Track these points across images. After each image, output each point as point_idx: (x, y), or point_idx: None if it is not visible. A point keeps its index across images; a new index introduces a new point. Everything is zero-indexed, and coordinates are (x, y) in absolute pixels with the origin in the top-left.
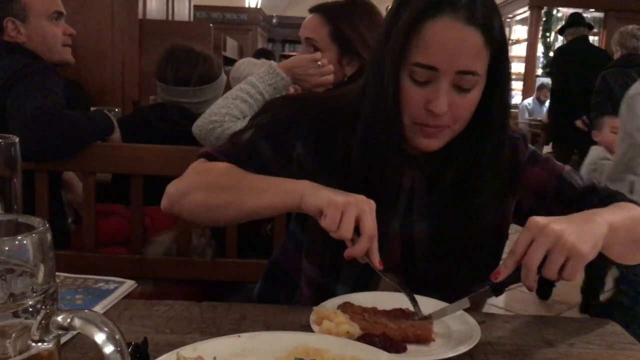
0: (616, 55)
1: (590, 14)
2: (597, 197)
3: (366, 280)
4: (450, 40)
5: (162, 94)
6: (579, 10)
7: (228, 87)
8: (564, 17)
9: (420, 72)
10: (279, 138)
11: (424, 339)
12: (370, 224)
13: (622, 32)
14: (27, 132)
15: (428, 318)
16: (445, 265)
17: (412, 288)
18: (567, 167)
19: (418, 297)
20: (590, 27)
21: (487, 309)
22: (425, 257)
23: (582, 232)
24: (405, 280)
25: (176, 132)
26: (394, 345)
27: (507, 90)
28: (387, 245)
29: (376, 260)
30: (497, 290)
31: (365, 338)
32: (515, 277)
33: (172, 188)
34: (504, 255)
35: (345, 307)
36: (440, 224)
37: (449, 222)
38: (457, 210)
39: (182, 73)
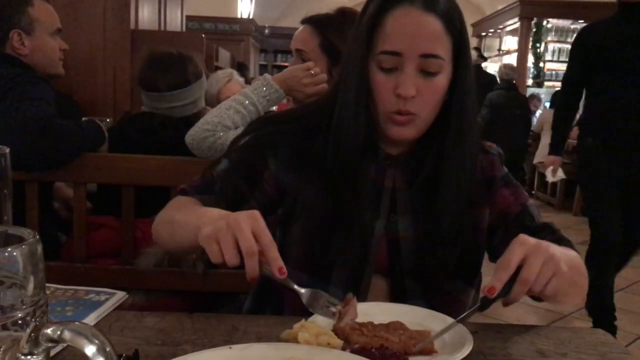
0: (500, 81)
1: (579, 25)
2: (550, 235)
3: (357, 280)
4: (409, 25)
5: (153, 102)
6: (568, 22)
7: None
8: (554, 28)
9: (386, 59)
10: (248, 164)
11: (426, 351)
12: (245, 242)
13: (501, 67)
14: (19, 141)
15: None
16: (430, 264)
17: (399, 287)
18: (531, 200)
19: (409, 307)
20: (484, 58)
21: (479, 319)
22: (410, 256)
23: (562, 254)
24: (393, 279)
25: (150, 141)
26: (393, 356)
27: (468, 77)
28: (374, 246)
29: (275, 269)
30: (486, 306)
31: (363, 351)
32: (505, 291)
33: (154, 222)
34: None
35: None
36: (422, 222)
37: (427, 222)
38: (430, 209)
39: (172, 76)
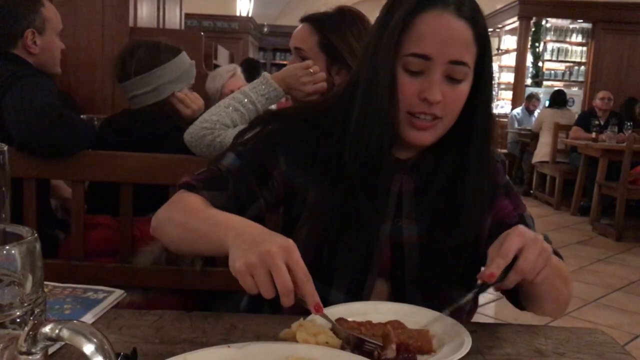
0: None
1: (578, 25)
2: None
3: (360, 284)
4: (442, 30)
5: (122, 94)
6: (567, 21)
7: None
8: (553, 28)
9: (415, 62)
10: (258, 160)
11: (425, 350)
12: (280, 280)
13: None
14: (34, 126)
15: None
16: (433, 271)
17: (400, 292)
18: (527, 211)
19: (407, 306)
20: None
21: (477, 318)
22: (413, 262)
23: (548, 247)
24: (394, 283)
25: (126, 143)
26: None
27: (490, 87)
28: (378, 249)
29: (311, 306)
30: (483, 290)
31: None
32: (501, 277)
33: (154, 217)
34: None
35: (340, 323)
36: (430, 230)
37: (438, 229)
38: (445, 217)
39: (123, 66)
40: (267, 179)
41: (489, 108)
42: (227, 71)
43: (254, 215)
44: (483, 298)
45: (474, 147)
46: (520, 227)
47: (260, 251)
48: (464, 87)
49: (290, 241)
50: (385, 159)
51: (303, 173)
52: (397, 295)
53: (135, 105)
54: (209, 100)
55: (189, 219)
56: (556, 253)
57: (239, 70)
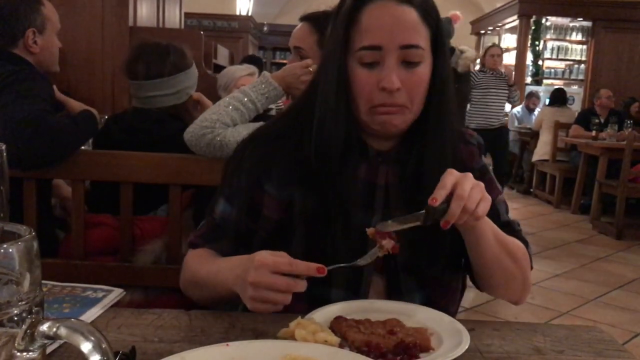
0: None
1: (578, 23)
2: (510, 234)
3: (357, 280)
4: (386, 18)
5: (135, 92)
6: (567, 20)
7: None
8: (553, 26)
9: (367, 54)
10: (246, 198)
11: (424, 349)
12: (281, 292)
13: None
14: (11, 141)
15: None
16: (422, 259)
17: (395, 282)
18: (501, 195)
19: (406, 304)
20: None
21: (476, 316)
22: (403, 251)
23: (481, 183)
24: (389, 275)
25: (135, 141)
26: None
27: (446, 65)
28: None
29: (314, 274)
30: (429, 216)
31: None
32: (443, 209)
33: (180, 282)
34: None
35: (339, 322)
36: None
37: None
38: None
39: (154, 65)
40: (259, 211)
41: (446, 88)
42: (247, 68)
43: (260, 247)
44: (482, 297)
45: (430, 129)
46: (451, 169)
47: (251, 287)
48: (423, 70)
49: (255, 259)
50: (353, 154)
51: (293, 186)
52: (392, 286)
53: (150, 105)
54: (218, 89)
55: (199, 280)
56: (525, 241)
57: (257, 73)
